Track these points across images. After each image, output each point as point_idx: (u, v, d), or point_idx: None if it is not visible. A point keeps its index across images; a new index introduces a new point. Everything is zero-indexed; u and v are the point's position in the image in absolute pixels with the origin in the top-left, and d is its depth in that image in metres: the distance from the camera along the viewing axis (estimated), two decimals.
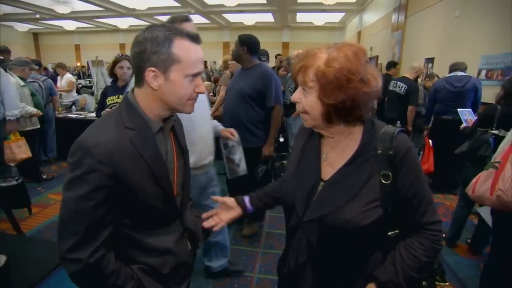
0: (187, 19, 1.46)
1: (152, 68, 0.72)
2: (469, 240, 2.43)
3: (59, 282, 1.10)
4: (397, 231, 0.79)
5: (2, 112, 2.77)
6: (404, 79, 3.70)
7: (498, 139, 1.94)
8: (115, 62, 2.52)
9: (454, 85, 3.30)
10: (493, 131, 2.03)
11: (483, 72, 3.82)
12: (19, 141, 2.94)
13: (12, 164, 2.95)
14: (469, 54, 4.07)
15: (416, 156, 0.79)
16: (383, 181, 0.74)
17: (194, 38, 0.76)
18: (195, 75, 0.76)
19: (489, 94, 3.29)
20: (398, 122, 3.66)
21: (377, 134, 0.77)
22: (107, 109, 2.43)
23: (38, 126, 3.48)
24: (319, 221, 0.77)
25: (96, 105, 3.55)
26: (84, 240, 0.69)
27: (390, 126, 0.80)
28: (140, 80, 0.76)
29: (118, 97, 2.51)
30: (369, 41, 9.55)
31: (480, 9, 4.01)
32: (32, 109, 3.26)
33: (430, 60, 5.32)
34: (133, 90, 0.80)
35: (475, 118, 2.59)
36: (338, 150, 0.81)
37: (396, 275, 0.76)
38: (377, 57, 8.68)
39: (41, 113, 3.46)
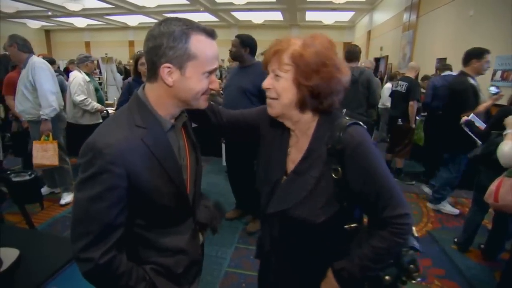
0: None
1: (168, 64, 0.69)
2: (482, 246, 2.37)
3: (71, 277, 1.10)
4: (354, 224, 0.80)
5: (35, 113, 2.63)
6: (405, 78, 3.83)
7: None
8: (137, 59, 2.45)
9: None
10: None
11: (499, 73, 3.73)
12: (48, 144, 2.59)
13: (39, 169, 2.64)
14: None
15: (370, 149, 0.73)
16: (334, 176, 0.74)
17: (210, 33, 0.73)
18: (211, 72, 0.74)
19: (505, 95, 3.20)
20: (399, 119, 3.75)
21: (330, 128, 0.76)
22: None
23: (101, 121, 3.54)
24: (280, 215, 0.80)
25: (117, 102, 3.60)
26: (96, 240, 0.68)
27: (347, 118, 0.77)
28: (153, 76, 0.73)
29: None
30: (379, 41, 9.42)
31: (495, 8, 3.91)
32: (98, 105, 3.36)
33: (443, 60, 5.22)
34: (143, 87, 0.78)
35: (481, 122, 2.55)
36: (297, 147, 0.82)
37: (351, 264, 0.78)
38: (387, 57, 8.56)
39: (104, 109, 3.51)
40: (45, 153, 2.61)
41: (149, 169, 0.71)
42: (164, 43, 0.69)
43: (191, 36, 0.70)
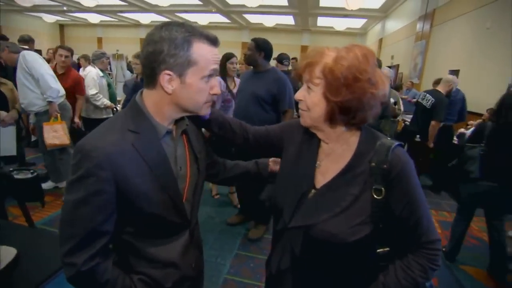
0: None
1: (168, 71, 0.67)
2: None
3: None
4: (387, 248, 0.75)
5: (41, 103, 2.72)
6: (433, 92, 3.47)
7: (487, 156, 2.04)
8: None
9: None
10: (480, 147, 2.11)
11: None
12: (55, 125, 2.73)
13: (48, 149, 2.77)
14: (500, 67, 3.89)
15: (414, 171, 0.73)
16: (375, 196, 0.70)
17: (213, 41, 0.72)
18: (210, 75, 0.72)
19: None
20: (418, 136, 3.54)
21: (374, 145, 0.72)
22: None
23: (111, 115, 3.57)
24: (304, 230, 0.75)
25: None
26: (80, 245, 0.66)
27: (388, 138, 0.75)
28: (152, 82, 0.71)
29: None
30: (390, 49, 9.33)
31: None
32: (107, 102, 3.39)
33: (455, 72, 5.11)
34: (141, 92, 0.75)
35: None
36: (332, 159, 0.77)
37: None
38: (398, 66, 8.47)
39: (113, 106, 3.53)
40: (55, 133, 2.71)
41: (138, 174, 0.69)
42: (165, 50, 0.66)
43: (193, 44, 0.68)
